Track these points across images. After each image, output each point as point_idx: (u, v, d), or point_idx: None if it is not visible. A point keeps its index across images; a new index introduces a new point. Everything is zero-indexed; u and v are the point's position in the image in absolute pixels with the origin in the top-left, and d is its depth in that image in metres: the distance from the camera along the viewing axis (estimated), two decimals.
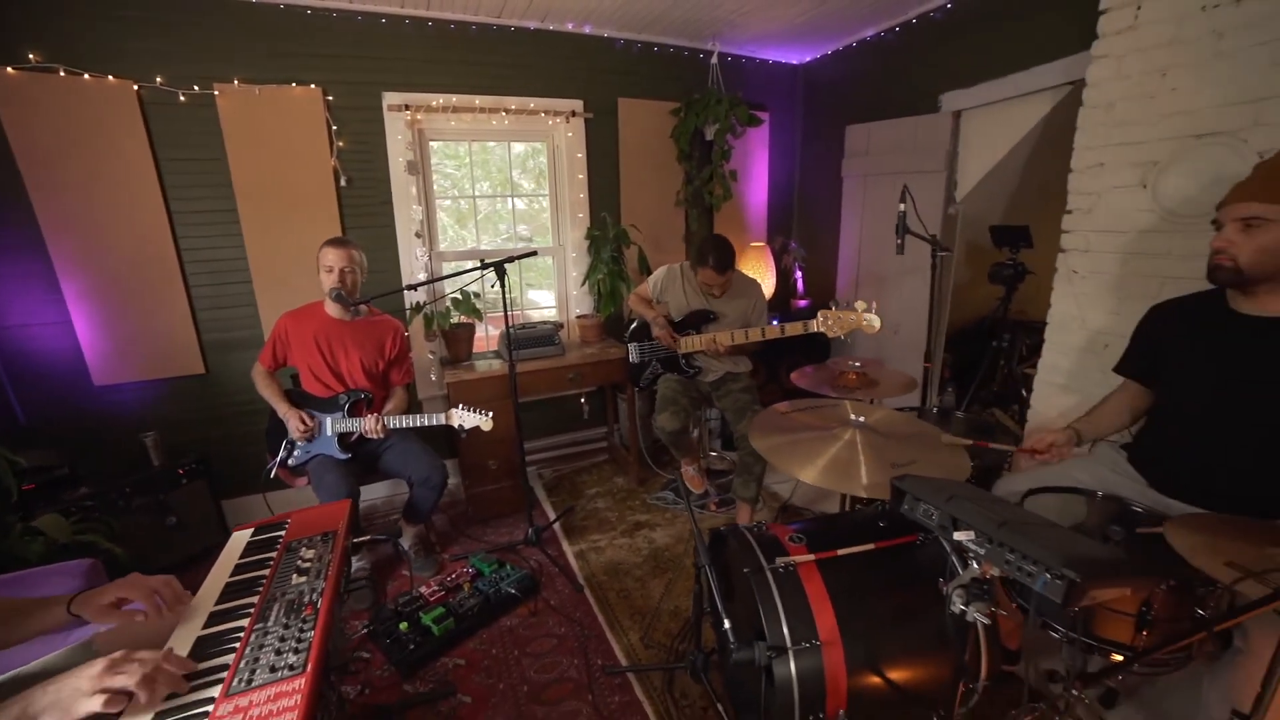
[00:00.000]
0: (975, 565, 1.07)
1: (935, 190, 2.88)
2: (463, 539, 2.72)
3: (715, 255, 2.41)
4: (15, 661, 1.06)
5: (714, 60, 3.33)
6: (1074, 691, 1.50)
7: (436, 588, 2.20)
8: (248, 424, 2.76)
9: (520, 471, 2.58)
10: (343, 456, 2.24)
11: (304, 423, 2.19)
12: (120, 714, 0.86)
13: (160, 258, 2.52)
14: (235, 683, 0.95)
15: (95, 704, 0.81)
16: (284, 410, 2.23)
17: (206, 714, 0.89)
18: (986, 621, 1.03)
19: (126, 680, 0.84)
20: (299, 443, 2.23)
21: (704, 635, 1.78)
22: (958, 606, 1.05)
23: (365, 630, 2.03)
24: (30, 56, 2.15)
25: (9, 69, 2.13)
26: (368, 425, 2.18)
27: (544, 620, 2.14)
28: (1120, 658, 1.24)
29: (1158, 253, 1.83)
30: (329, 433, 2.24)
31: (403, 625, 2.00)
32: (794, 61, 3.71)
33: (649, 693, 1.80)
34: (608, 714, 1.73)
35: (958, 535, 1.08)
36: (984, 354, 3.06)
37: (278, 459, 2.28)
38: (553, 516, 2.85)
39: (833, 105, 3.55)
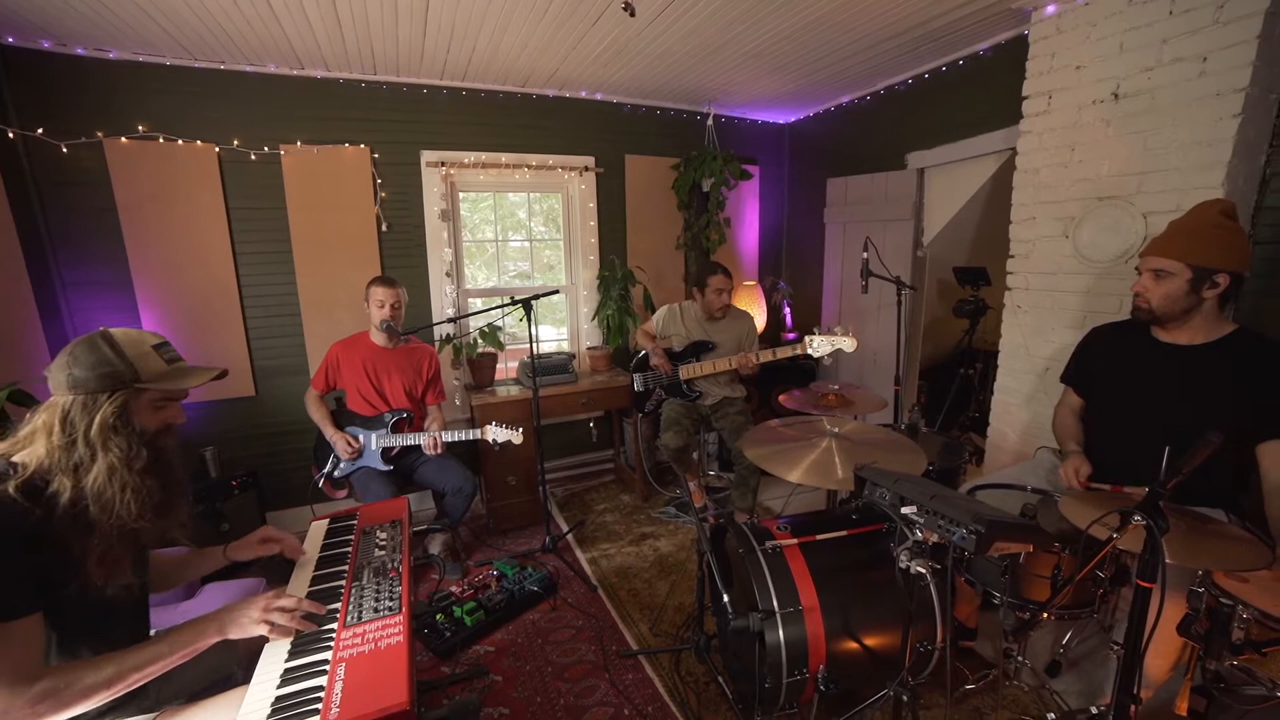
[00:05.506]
0: (918, 532, 1.38)
1: (905, 236, 3.28)
2: (485, 548, 2.99)
3: (720, 267, 2.89)
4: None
5: (710, 121, 3.78)
6: (1018, 657, 1.79)
7: (466, 587, 2.46)
8: (290, 442, 3.06)
9: (538, 485, 2.86)
10: (385, 468, 2.53)
11: (351, 445, 2.50)
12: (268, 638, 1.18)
13: (224, 293, 2.86)
14: (349, 618, 1.25)
15: (262, 629, 1.17)
16: (330, 433, 2.54)
17: (333, 636, 1.19)
18: (925, 572, 1.33)
19: (280, 617, 1.19)
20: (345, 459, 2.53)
21: (706, 623, 2.06)
22: (903, 563, 1.36)
23: None
24: (140, 128, 2.56)
25: (123, 139, 2.54)
26: (427, 444, 2.50)
27: (563, 614, 2.40)
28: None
29: (1080, 291, 2.20)
30: (374, 447, 2.54)
31: (439, 617, 2.26)
32: (781, 121, 4.18)
33: (658, 671, 2.06)
34: (623, 688, 1.99)
35: (904, 510, 1.39)
36: (955, 381, 3.41)
37: (324, 471, 2.58)
38: (566, 529, 3.11)
39: (815, 160, 3.99)
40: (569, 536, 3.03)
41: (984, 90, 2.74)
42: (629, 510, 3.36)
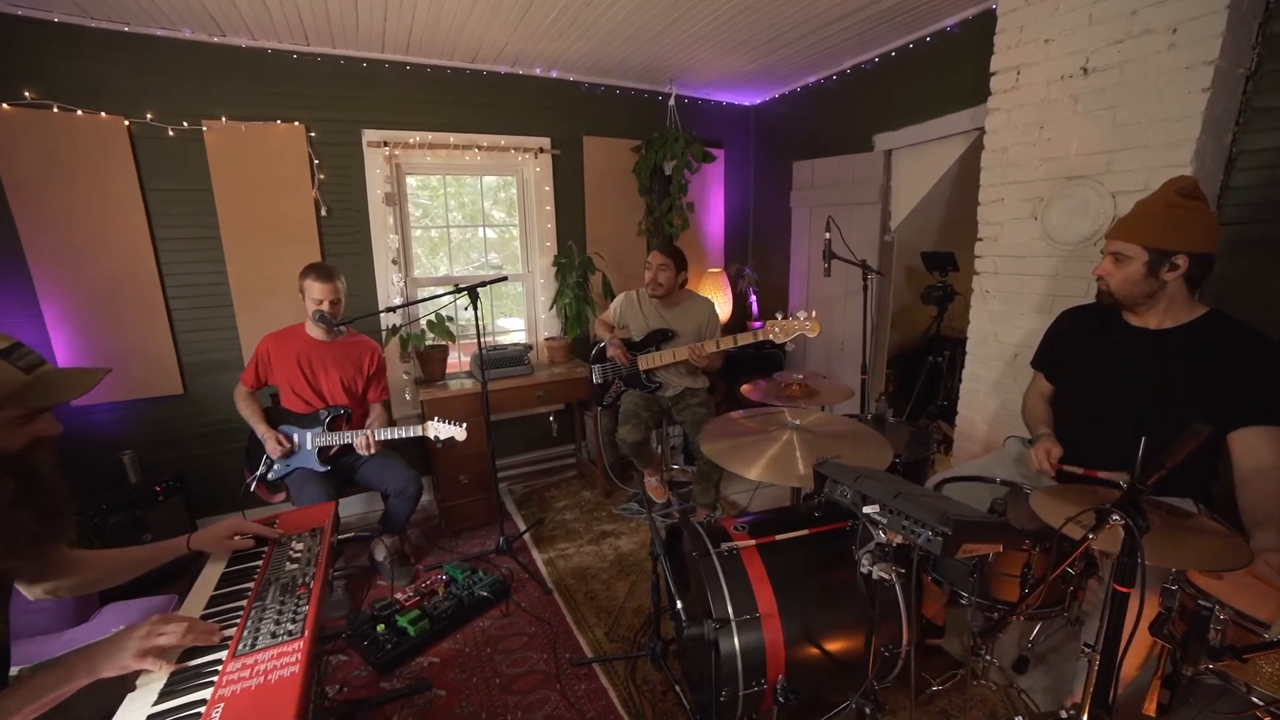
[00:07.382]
0: (881, 534, 1.27)
1: (872, 220, 3.19)
2: (436, 550, 2.82)
3: (661, 244, 2.77)
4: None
5: (671, 102, 3.63)
6: (986, 655, 1.71)
7: (412, 593, 2.30)
8: (224, 443, 2.84)
9: (492, 484, 2.71)
10: (322, 469, 2.35)
11: (281, 444, 2.30)
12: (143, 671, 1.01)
13: (143, 283, 2.62)
14: (240, 647, 1.09)
15: (143, 662, 0.99)
16: (262, 431, 2.34)
17: (218, 671, 1.03)
18: (889, 577, 1.23)
19: (164, 640, 1.02)
20: (278, 459, 2.34)
21: (663, 627, 1.94)
22: (865, 567, 1.25)
23: (344, 635, 2.12)
24: (26, 94, 2.28)
25: (4, 105, 2.26)
26: (360, 443, 2.31)
27: (515, 620, 2.26)
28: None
29: (1048, 274, 2.13)
30: (309, 447, 2.35)
31: (380, 627, 2.10)
32: (745, 103, 4.05)
33: (613, 680, 1.94)
34: (575, 700, 1.86)
35: (866, 509, 1.29)
36: (923, 369, 3.35)
37: (256, 474, 2.38)
38: (523, 528, 2.97)
39: (781, 143, 3.87)
40: (526, 536, 2.89)
41: (951, 68, 2.65)
42: (590, 507, 3.23)
